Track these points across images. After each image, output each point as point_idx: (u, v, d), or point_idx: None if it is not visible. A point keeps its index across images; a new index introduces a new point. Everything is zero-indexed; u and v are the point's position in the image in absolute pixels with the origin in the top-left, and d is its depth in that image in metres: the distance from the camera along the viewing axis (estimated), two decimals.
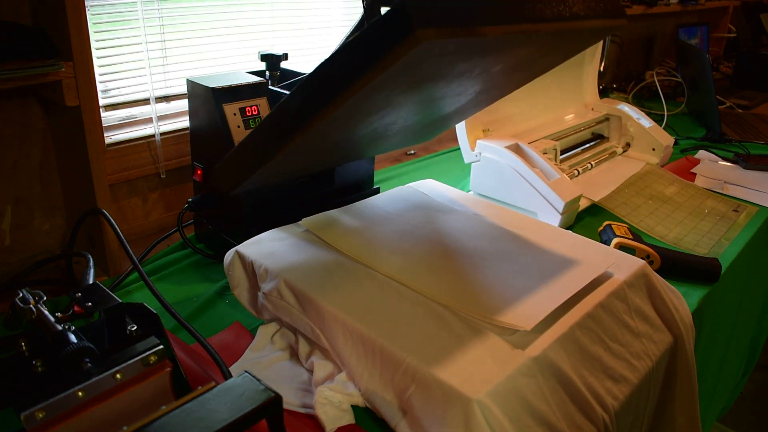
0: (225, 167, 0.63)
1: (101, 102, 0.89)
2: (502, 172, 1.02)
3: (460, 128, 1.06)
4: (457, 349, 0.53)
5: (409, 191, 0.87)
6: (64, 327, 0.45)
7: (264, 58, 0.86)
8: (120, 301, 0.46)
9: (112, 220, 0.77)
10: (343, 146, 0.71)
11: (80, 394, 0.41)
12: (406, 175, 1.23)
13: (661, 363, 0.66)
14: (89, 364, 0.43)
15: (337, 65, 0.47)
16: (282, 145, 0.54)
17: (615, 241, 0.88)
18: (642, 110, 1.34)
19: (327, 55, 0.48)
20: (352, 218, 0.77)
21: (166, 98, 0.99)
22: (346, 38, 0.65)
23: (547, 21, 0.51)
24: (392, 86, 0.50)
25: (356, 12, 1.23)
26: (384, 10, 0.44)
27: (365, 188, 0.96)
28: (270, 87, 0.84)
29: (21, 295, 0.50)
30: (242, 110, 0.78)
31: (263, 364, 0.63)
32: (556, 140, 1.13)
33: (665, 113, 1.61)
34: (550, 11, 0.51)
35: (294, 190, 0.85)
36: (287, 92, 0.79)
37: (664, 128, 1.37)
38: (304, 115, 0.51)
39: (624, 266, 0.68)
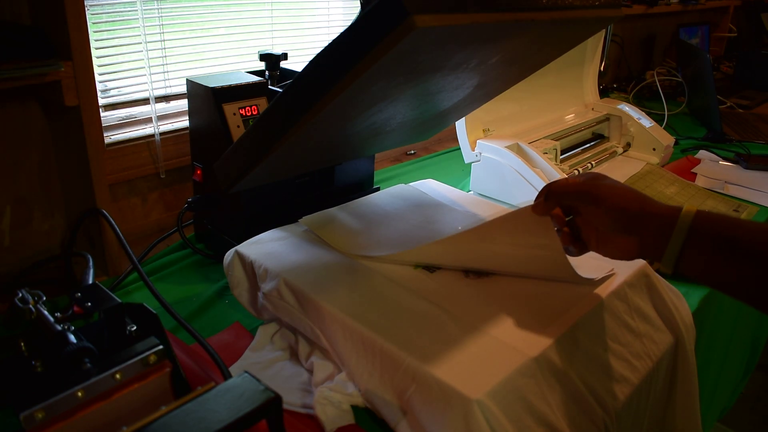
0: (223, 164, 0.63)
1: (101, 102, 0.88)
2: (502, 172, 1.02)
3: (460, 128, 1.06)
4: (457, 350, 0.53)
5: (409, 189, 0.87)
6: (63, 327, 0.45)
7: (263, 57, 0.86)
8: (120, 301, 0.46)
9: (111, 220, 0.77)
10: (342, 142, 0.71)
11: (80, 394, 0.41)
12: (406, 175, 1.23)
13: (661, 363, 0.66)
14: (89, 365, 0.43)
15: (333, 56, 0.47)
16: (279, 140, 0.54)
17: None
18: (642, 110, 1.34)
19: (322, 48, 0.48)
20: (351, 216, 0.76)
21: (165, 98, 0.99)
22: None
23: (543, 10, 0.51)
24: (388, 77, 0.50)
25: (356, 12, 1.23)
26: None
27: (365, 188, 0.96)
28: (270, 87, 0.84)
29: (20, 295, 0.50)
30: (242, 110, 0.78)
31: (263, 364, 0.63)
32: (557, 140, 1.13)
33: (666, 113, 1.61)
34: (545, 0, 0.51)
35: (294, 190, 0.85)
36: None
37: (664, 128, 1.37)
38: (300, 109, 0.51)
39: (624, 266, 0.68)
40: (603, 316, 0.61)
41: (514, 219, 0.60)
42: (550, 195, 0.56)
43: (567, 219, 0.58)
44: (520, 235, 0.60)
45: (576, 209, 0.56)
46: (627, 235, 0.53)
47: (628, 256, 0.55)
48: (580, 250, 0.59)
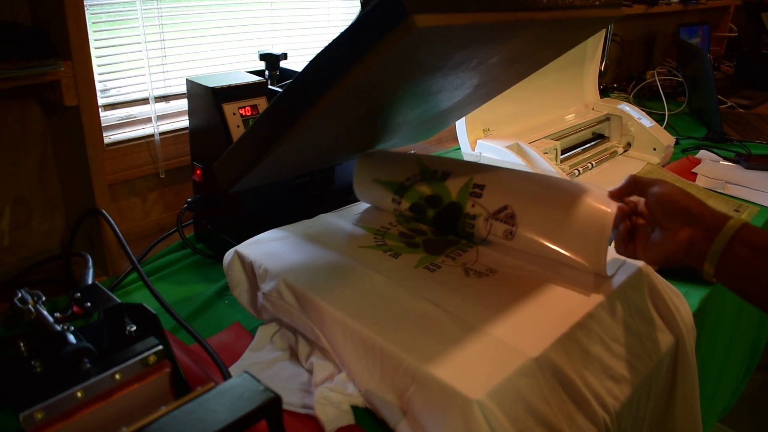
0: (223, 164, 0.63)
1: (100, 102, 0.88)
2: None
3: (461, 128, 1.06)
4: (457, 350, 0.53)
5: None
6: (63, 327, 0.45)
7: (263, 57, 0.86)
8: (119, 301, 0.46)
9: (111, 220, 0.77)
10: (342, 142, 0.71)
11: (79, 394, 0.41)
12: None
13: (662, 363, 0.66)
14: (88, 365, 0.42)
15: (332, 55, 0.47)
16: (279, 140, 0.54)
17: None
18: (643, 110, 1.34)
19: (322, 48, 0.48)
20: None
21: (165, 98, 0.99)
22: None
23: (543, 9, 0.51)
24: (388, 77, 0.50)
25: (356, 11, 1.23)
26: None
27: None
28: (269, 87, 0.84)
29: (20, 295, 0.49)
30: (242, 110, 0.78)
31: (263, 365, 0.63)
32: (557, 140, 1.13)
33: (666, 113, 1.61)
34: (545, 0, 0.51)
35: (294, 190, 0.85)
36: None
37: (665, 128, 1.37)
38: (299, 109, 0.51)
39: (625, 266, 0.68)
40: (603, 316, 0.61)
41: (579, 185, 0.65)
42: (630, 179, 0.61)
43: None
44: (577, 195, 0.64)
45: (645, 196, 0.61)
46: (682, 225, 0.56)
47: (676, 252, 0.57)
48: (626, 245, 0.62)
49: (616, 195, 0.62)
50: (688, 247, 0.56)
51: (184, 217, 0.87)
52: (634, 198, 0.62)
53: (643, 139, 1.28)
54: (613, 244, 0.64)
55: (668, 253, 0.57)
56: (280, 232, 0.73)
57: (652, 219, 0.59)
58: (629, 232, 0.62)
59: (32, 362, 0.43)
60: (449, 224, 0.72)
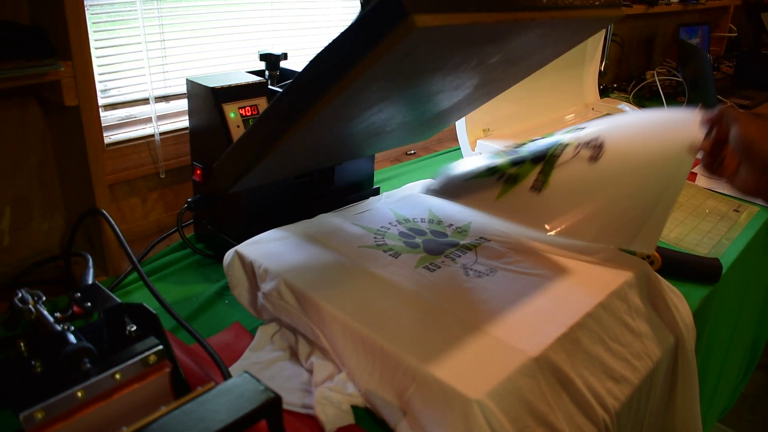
0: (223, 164, 0.63)
1: (100, 102, 0.88)
2: None
3: (461, 128, 1.06)
4: (457, 350, 0.53)
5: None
6: (63, 327, 0.45)
7: (263, 57, 0.86)
8: (119, 301, 0.46)
9: (111, 220, 0.76)
10: (342, 142, 0.71)
11: (79, 394, 0.41)
12: (406, 174, 1.22)
13: (661, 363, 0.66)
14: (88, 365, 0.42)
15: (332, 56, 0.47)
16: (279, 140, 0.54)
17: None
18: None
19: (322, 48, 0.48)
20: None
21: (165, 98, 0.99)
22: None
23: (543, 9, 0.51)
24: (388, 77, 0.50)
25: (356, 11, 1.23)
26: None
27: (365, 188, 0.96)
28: (269, 87, 0.84)
29: (20, 295, 0.49)
30: (242, 110, 0.78)
31: (263, 365, 0.63)
32: None
33: None
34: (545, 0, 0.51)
35: (294, 190, 0.85)
36: None
37: None
38: (299, 109, 0.51)
39: (624, 266, 0.68)
40: (603, 316, 0.61)
41: (679, 129, 0.69)
42: (720, 110, 0.62)
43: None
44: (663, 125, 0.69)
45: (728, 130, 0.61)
46: (754, 169, 0.57)
47: (748, 190, 0.59)
48: (715, 168, 0.64)
49: (707, 121, 0.64)
50: (757, 188, 0.58)
51: (184, 217, 0.87)
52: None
53: None
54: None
55: (745, 189, 0.59)
56: (280, 232, 0.73)
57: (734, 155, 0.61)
58: (719, 159, 0.63)
59: (32, 362, 0.43)
60: (542, 151, 0.76)
